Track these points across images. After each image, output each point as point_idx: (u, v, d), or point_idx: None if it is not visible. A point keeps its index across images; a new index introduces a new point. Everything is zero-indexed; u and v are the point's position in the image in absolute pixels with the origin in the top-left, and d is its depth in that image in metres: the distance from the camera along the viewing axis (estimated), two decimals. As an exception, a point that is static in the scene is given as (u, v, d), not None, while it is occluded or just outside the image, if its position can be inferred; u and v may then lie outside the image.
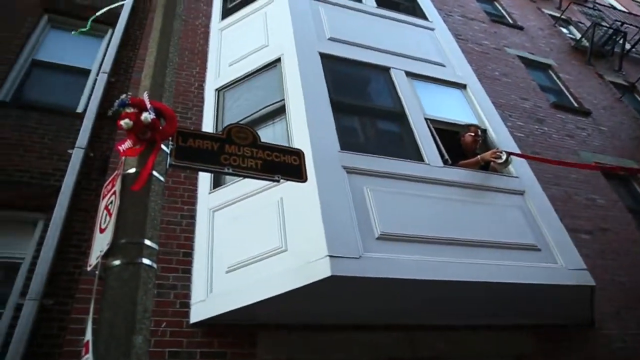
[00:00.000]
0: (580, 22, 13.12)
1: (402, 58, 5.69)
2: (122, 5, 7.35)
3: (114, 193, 2.12)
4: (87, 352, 1.64)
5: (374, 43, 5.69)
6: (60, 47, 6.90)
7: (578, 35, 12.41)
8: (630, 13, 15.39)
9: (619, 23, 12.35)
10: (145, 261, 1.93)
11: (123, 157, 2.25)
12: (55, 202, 4.51)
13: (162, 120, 2.33)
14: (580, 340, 4.85)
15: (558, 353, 4.62)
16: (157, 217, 2.14)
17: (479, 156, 4.75)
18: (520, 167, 5.01)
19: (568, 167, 5.72)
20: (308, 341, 3.73)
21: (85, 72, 6.50)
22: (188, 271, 3.85)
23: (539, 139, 7.58)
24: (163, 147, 2.29)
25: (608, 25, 12.20)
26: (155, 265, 1.99)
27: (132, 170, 2.15)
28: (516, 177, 4.87)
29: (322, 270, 3.21)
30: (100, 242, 2.03)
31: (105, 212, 2.16)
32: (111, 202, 2.12)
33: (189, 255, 3.95)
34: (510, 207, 4.53)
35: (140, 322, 1.77)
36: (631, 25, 12.61)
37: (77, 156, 5.00)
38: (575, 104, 9.39)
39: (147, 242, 1.98)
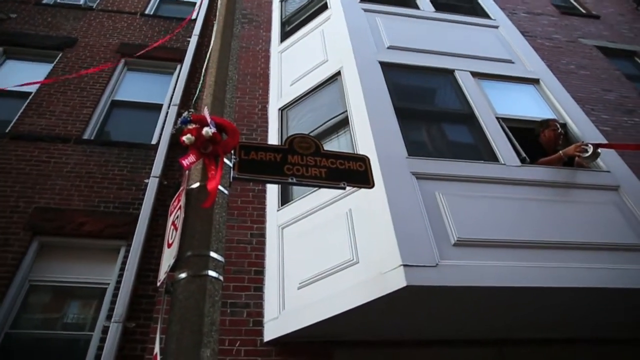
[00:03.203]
0: (666, 4, 11.98)
1: (466, 59, 5.44)
2: (189, 41, 7.78)
3: (180, 208, 2.13)
4: (155, 365, 1.61)
5: (435, 47, 5.50)
6: (135, 87, 7.40)
7: (664, 18, 11.32)
8: None
9: None
10: (211, 273, 1.89)
11: (187, 172, 2.27)
12: (134, 230, 4.73)
13: (224, 135, 2.34)
14: None
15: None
16: (222, 229, 2.11)
17: (560, 152, 4.34)
18: (611, 160, 4.53)
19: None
20: (386, 358, 3.53)
21: (158, 107, 6.91)
22: (260, 289, 3.82)
23: (630, 131, 6.88)
24: (226, 161, 2.28)
25: (699, 3, 11.04)
26: (221, 278, 1.96)
27: (196, 184, 2.15)
28: (607, 171, 4.40)
29: (396, 281, 3.03)
30: (168, 257, 2.04)
31: (172, 227, 2.17)
32: (177, 217, 2.13)
33: (260, 273, 3.93)
34: (604, 204, 4.07)
35: (207, 335, 1.72)
36: None
37: (152, 185, 5.25)
38: (670, 91, 8.48)
39: (213, 254, 1.96)
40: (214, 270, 1.91)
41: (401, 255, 3.10)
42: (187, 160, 2.20)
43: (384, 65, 4.96)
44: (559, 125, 4.71)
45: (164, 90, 7.24)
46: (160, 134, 6.05)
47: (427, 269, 3.10)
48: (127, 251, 4.63)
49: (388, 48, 5.34)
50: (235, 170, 2.34)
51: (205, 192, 2.01)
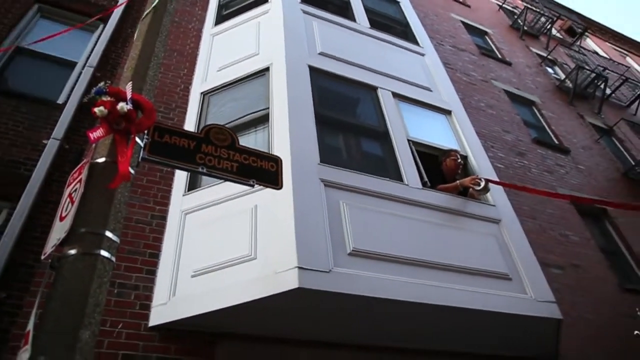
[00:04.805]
0: (565, 64, 13.51)
1: (390, 79, 5.74)
2: (117, 1, 7.34)
3: (80, 181, 2.05)
4: (26, 344, 1.54)
5: (364, 62, 5.73)
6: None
7: (563, 76, 12.76)
8: (611, 60, 15.93)
9: (601, 68, 12.74)
10: (104, 253, 1.85)
11: (93, 146, 2.19)
12: (22, 192, 4.37)
13: (140, 113, 2.28)
14: (544, 374, 4.84)
15: (522, 386, 4.60)
16: (122, 209, 2.07)
17: (458, 181, 4.76)
18: (498, 197, 5.04)
19: (544, 195, 5.79)
20: (269, 354, 3.62)
21: (71, 65, 6.40)
22: (153, 272, 3.73)
23: (518, 171, 7.69)
24: (137, 140, 2.23)
25: (591, 69, 12.58)
26: (113, 259, 1.92)
27: (102, 159, 2.09)
28: (493, 205, 4.90)
29: (289, 281, 3.14)
30: (59, 230, 1.95)
31: (68, 199, 2.08)
32: (75, 190, 2.05)
33: (155, 256, 3.84)
34: (485, 235, 4.54)
35: (89, 317, 1.68)
36: (612, 71, 13.03)
37: (51, 147, 4.89)
38: (556, 141, 9.58)
39: (109, 233, 1.91)
40: (107, 250, 1.87)
41: (298, 257, 3.22)
42: (95, 134, 2.12)
43: (313, 70, 5.08)
44: (459, 156, 5.15)
45: (80, 48, 6.73)
46: (69, 95, 5.63)
47: (320, 273, 3.25)
48: (10, 214, 4.26)
49: (319, 54, 5.47)
50: (146, 150, 2.29)
51: (112, 170, 1.96)
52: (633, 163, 10.49)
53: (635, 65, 19.08)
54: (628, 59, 19.54)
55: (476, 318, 3.96)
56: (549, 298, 4.34)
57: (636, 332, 4.52)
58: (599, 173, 9.48)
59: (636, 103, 13.58)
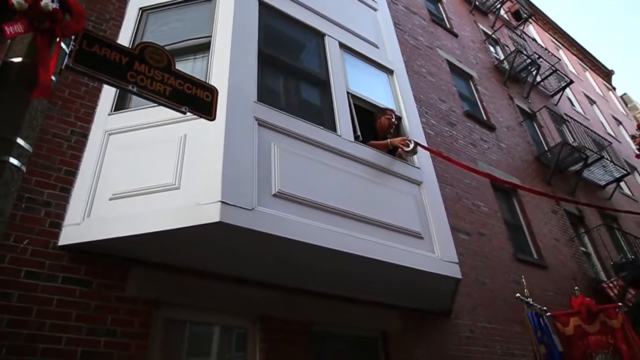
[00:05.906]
0: (506, 46, 14.03)
1: (339, 28, 5.65)
2: None
3: (-10, 79, 1.87)
4: None
5: (316, 6, 5.56)
6: None
7: (502, 57, 13.28)
8: (547, 49, 16.76)
9: (537, 56, 13.39)
10: (13, 161, 1.74)
11: (8, 42, 1.99)
12: None
13: (68, 16, 2.08)
14: (437, 325, 5.34)
15: (417, 334, 5.04)
16: (38, 117, 1.93)
17: (388, 140, 4.91)
18: (423, 160, 5.27)
19: (465, 169, 6.13)
20: (181, 285, 3.64)
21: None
22: (67, 191, 3.54)
23: (446, 140, 8.05)
24: (63, 45, 2.05)
25: (527, 55, 13.18)
26: (24, 169, 1.81)
27: (18, 59, 1.91)
28: (418, 167, 5.13)
29: (211, 214, 3.14)
30: (-39, 131, 1.79)
31: (-26, 98, 1.90)
32: (-16, 89, 1.87)
33: (72, 174, 3.63)
34: (406, 194, 4.77)
35: (-9, 227, 1.59)
36: (545, 61, 13.75)
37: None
38: (485, 117, 10.09)
39: (20, 141, 1.79)
40: (17, 158, 1.75)
41: (222, 192, 3.21)
42: (13, 29, 1.92)
43: (262, 5, 4.87)
44: (394, 116, 5.28)
45: None
46: (-17, -17, 4.98)
47: (242, 210, 3.28)
48: None
49: (271, -11, 5.23)
50: (71, 58, 2.12)
51: (29, 73, 1.80)
52: (546, 148, 11.37)
53: (566, 60, 20.26)
54: (561, 52, 20.66)
55: (388, 270, 4.22)
56: (453, 259, 4.71)
57: (518, 294, 5.07)
58: (516, 153, 10.17)
59: (559, 95, 14.54)
